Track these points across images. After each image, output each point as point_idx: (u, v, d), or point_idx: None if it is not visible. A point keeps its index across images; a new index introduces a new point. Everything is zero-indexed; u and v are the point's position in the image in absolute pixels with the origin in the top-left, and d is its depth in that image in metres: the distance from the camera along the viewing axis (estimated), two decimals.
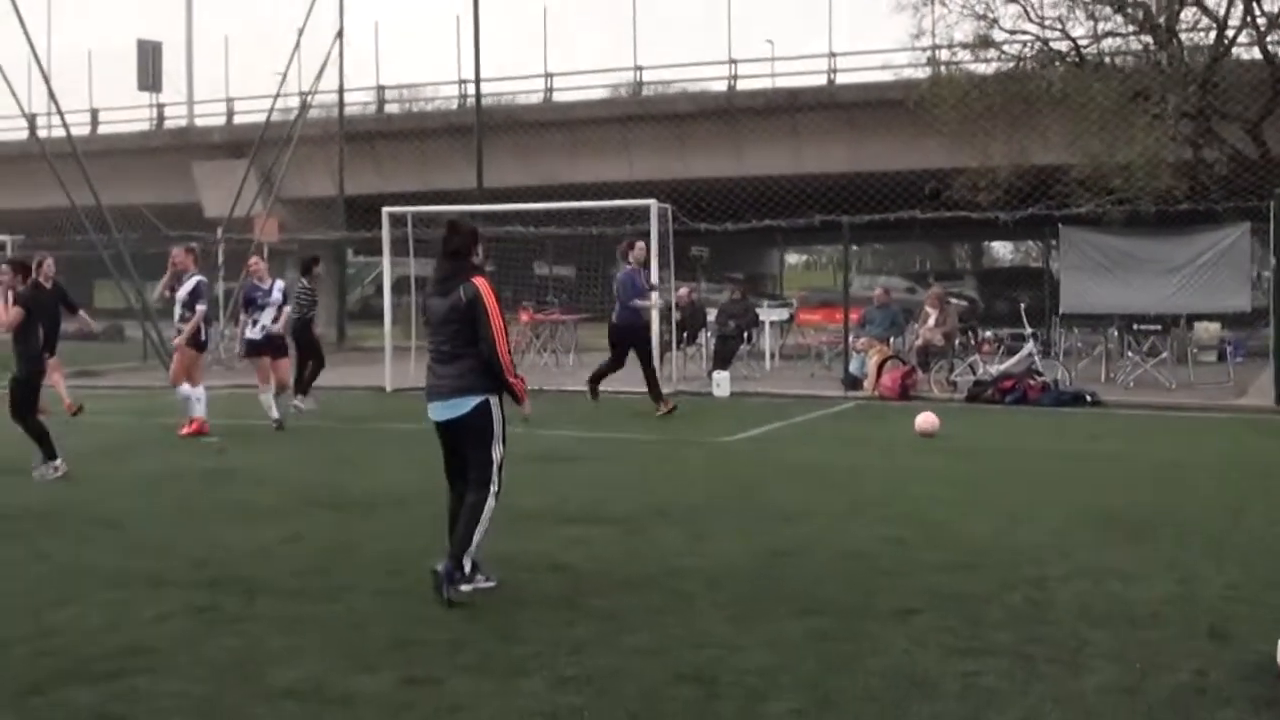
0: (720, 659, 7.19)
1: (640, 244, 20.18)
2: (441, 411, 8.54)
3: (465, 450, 8.55)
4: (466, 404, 8.43)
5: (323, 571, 9.32)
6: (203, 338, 17.74)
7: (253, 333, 18.52)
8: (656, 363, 20.68)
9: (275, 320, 18.55)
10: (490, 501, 8.43)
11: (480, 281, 8.44)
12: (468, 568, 8.35)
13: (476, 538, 8.35)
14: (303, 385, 20.28)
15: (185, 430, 17.10)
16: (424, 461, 14.68)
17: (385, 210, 24.12)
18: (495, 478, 8.50)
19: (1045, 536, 10.46)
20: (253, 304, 18.60)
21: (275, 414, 18.17)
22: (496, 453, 8.50)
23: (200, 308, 17.30)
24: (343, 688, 6.74)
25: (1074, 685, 6.75)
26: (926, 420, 16.76)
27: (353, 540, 10.42)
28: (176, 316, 17.35)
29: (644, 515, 11.38)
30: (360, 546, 10.15)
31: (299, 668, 7.08)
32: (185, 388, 17.22)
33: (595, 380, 19.70)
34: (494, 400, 8.52)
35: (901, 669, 7.01)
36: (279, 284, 19.05)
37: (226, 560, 9.60)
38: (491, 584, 8.53)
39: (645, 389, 19.16)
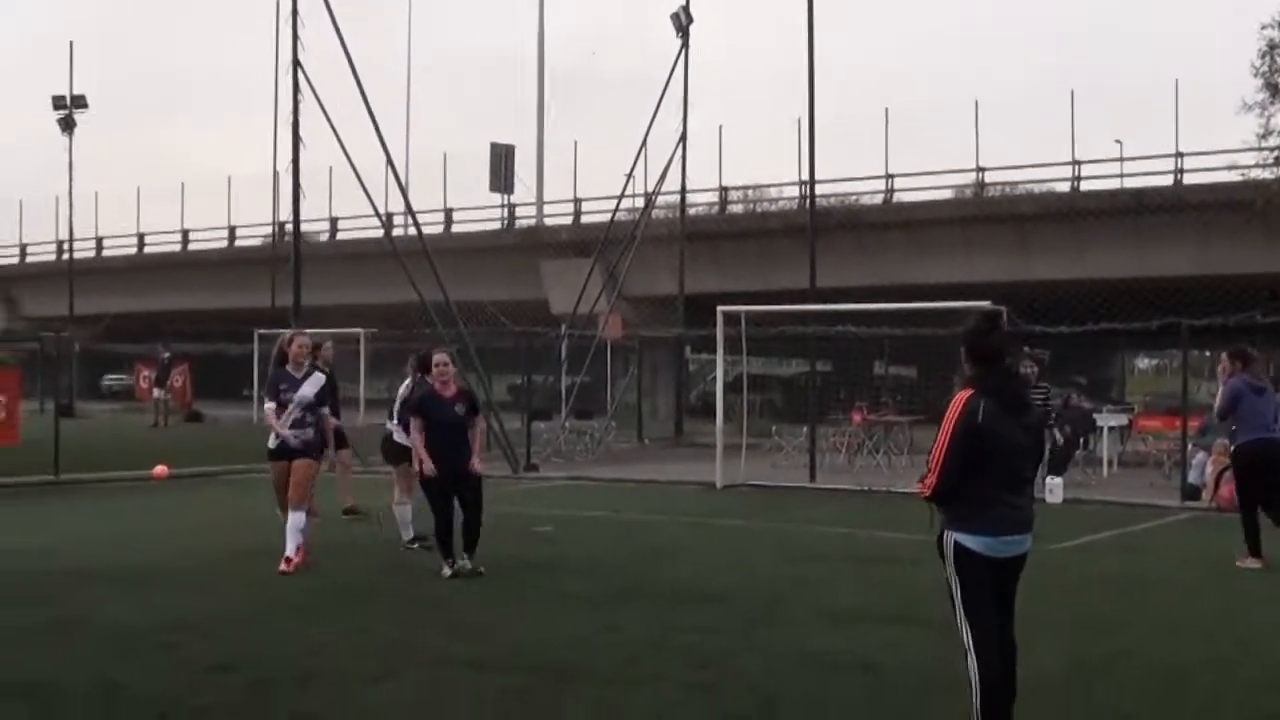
0: None
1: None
2: (1023, 544, 7.19)
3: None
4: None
5: (634, 661, 9.57)
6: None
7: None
8: None
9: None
10: None
11: None
12: None
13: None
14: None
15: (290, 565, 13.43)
16: (745, 558, 15.03)
17: (720, 309, 24.53)
18: None
19: None
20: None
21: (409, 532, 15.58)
22: None
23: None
24: None
25: None
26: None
27: (664, 632, 10.64)
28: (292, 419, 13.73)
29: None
30: (671, 639, 10.36)
31: None
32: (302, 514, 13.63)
33: None
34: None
35: None
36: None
37: (544, 647, 9.91)
38: None
39: None
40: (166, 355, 43.06)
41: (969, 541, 6.97)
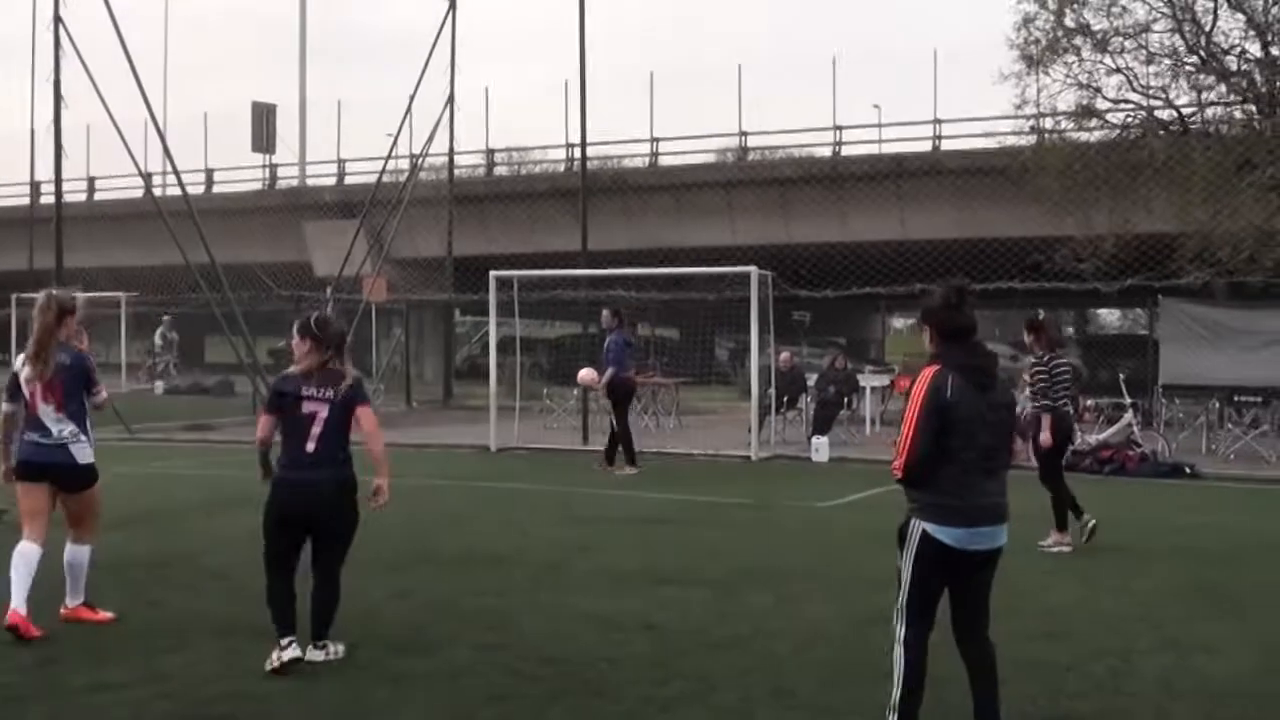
0: (809, 719, 7.48)
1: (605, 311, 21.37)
2: (998, 537, 6.90)
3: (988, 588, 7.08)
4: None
5: (424, 627, 9.63)
6: None
7: None
8: (755, 424, 21.56)
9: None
10: None
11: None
12: None
13: None
14: None
15: None
16: (520, 521, 15.17)
17: (492, 274, 24.56)
18: None
19: (1133, 608, 10.59)
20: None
21: None
22: None
23: None
24: None
25: None
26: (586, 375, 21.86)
27: (452, 597, 10.72)
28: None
29: (736, 578, 11.63)
30: (460, 603, 10.45)
31: (401, 719, 7.41)
32: None
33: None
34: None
35: None
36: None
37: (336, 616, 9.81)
38: None
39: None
40: None
41: (938, 533, 6.68)
